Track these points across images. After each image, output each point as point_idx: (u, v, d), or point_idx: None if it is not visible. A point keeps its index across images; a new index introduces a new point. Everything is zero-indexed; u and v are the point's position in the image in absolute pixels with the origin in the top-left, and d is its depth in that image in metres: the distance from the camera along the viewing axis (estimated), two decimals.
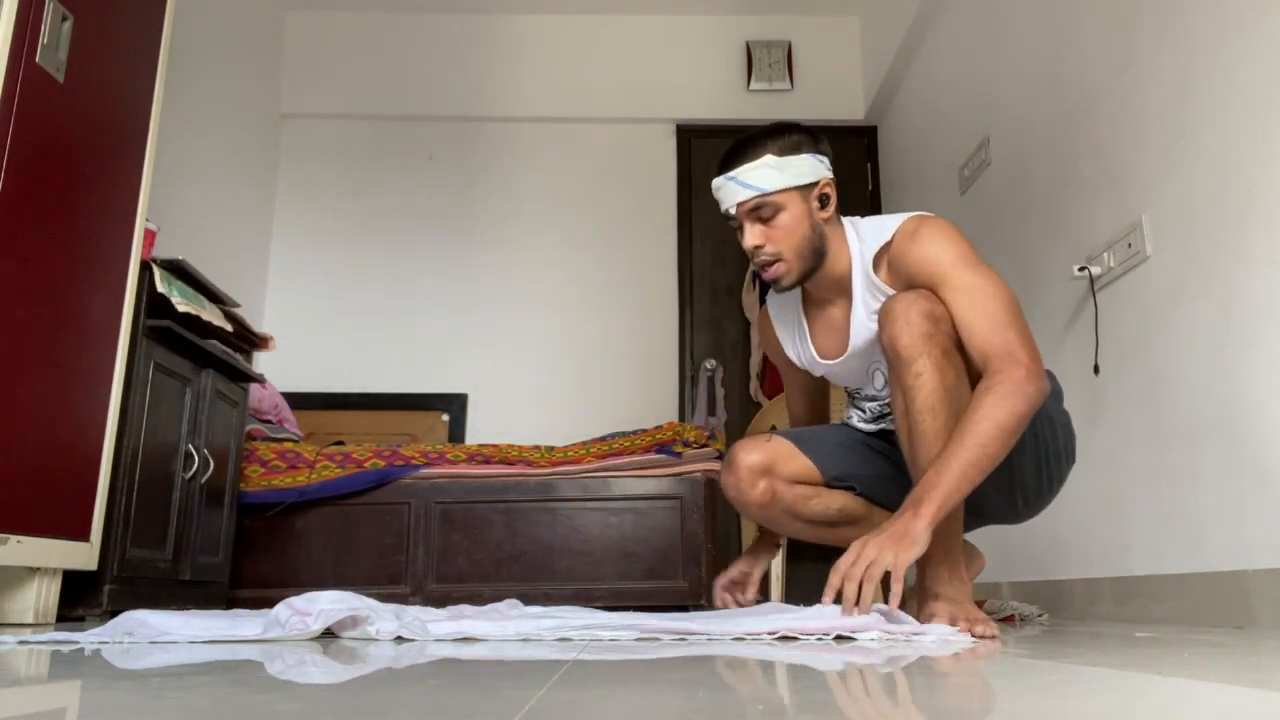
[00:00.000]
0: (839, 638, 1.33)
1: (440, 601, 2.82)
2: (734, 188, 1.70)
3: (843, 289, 1.77)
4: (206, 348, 2.55)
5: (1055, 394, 1.74)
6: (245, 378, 2.88)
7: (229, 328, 2.67)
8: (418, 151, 4.73)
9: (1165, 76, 2.28)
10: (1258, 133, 1.96)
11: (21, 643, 1.27)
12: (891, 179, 4.63)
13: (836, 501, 1.87)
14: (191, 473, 2.52)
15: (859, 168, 4.81)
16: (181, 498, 2.48)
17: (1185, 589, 2.13)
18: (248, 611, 1.68)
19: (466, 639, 1.37)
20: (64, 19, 1.96)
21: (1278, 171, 1.90)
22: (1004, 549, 3.14)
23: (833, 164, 1.76)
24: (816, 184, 1.71)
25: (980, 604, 1.87)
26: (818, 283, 1.79)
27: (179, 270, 2.44)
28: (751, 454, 1.84)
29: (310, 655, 1.14)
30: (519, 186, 4.74)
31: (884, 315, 1.59)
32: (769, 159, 1.68)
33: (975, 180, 3.48)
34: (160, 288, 2.31)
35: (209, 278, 2.59)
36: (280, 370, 4.02)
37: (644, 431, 3.22)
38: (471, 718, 0.64)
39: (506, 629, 1.40)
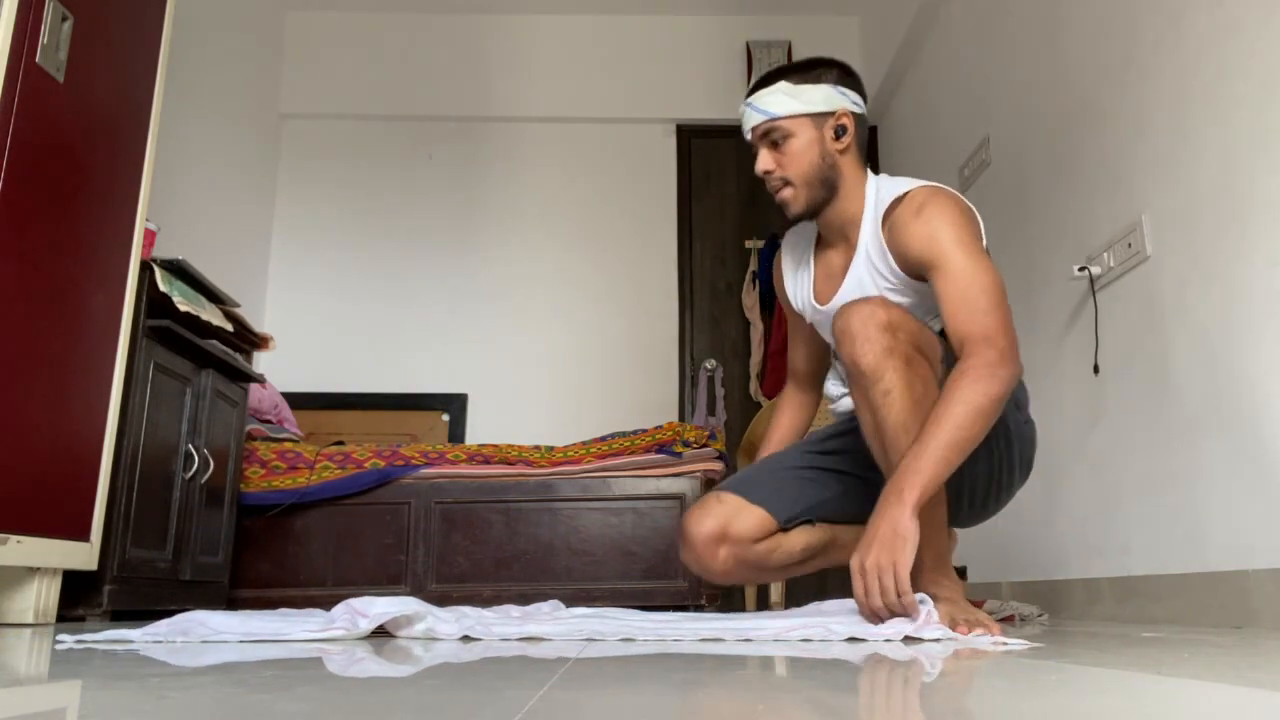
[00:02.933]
0: (908, 639, 1.33)
1: (440, 602, 2.82)
2: (749, 113, 1.73)
3: (850, 235, 1.76)
4: (206, 348, 2.55)
5: (1018, 403, 1.72)
6: (245, 378, 2.88)
7: (229, 328, 2.67)
8: (418, 151, 4.73)
9: (1165, 76, 2.28)
10: (1258, 132, 1.96)
11: (79, 641, 1.29)
12: None
13: (798, 543, 1.85)
14: (191, 473, 2.52)
15: None
16: (181, 498, 2.48)
17: (1185, 589, 2.13)
18: (301, 611, 1.70)
19: (532, 639, 1.38)
20: (64, 19, 1.96)
21: (1278, 171, 1.90)
22: (1004, 549, 3.14)
23: (865, 102, 1.77)
24: (833, 114, 1.71)
25: (980, 604, 1.87)
26: (829, 222, 1.78)
27: (179, 270, 2.44)
28: (703, 524, 1.80)
29: (343, 655, 1.14)
30: (519, 186, 4.74)
31: (841, 333, 1.57)
32: (784, 85, 1.70)
33: (975, 180, 3.48)
34: (162, 287, 2.31)
35: (209, 278, 2.59)
36: (280, 370, 4.02)
37: (644, 431, 3.22)
38: (472, 718, 0.64)
39: (572, 630, 1.42)
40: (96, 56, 2.09)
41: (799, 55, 4.83)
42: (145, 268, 2.28)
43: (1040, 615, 2.47)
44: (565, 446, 3.24)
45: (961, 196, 1.71)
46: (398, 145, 4.72)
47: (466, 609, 1.70)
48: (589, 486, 3.11)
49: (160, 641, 1.31)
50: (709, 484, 3.09)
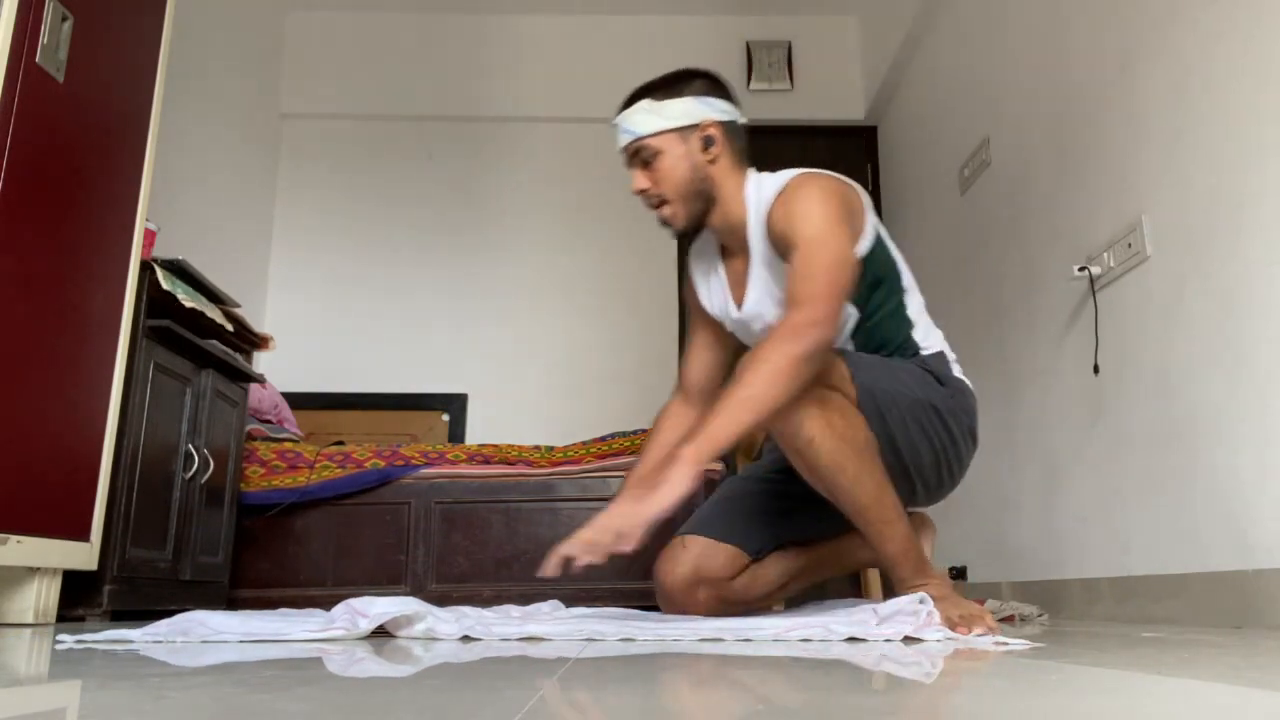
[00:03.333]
0: (908, 639, 1.33)
1: (440, 602, 2.82)
2: (617, 134, 1.74)
3: (742, 239, 1.75)
4: (206, 348, 2.55)
5: (940, 378, 1.71)
6: (245, 378, 2.88)
7: (229, 327, 2.67)
8: (418, 151, 4.73)
9: (1165, 76, 2.28)
10: (1257, 132, 1.96)
11: (79, 641, 1.29)
12: (891, 179, 4.63)
13: (773, 571, 1.85)
14: (191, 473, 2.52)
15: (859, 168, 4.81)
16: (181, 498, 2.48)
17: (1185, 589, 2.13)
18: (301, 611, 1.71)
19: (533, 639, 1.38)
20: (64, 19, 1.96)
21: (1277, 171, 1.90)
22: (1004, 549, 3.14)
23: (736, 107, 1.76)
24: (698, 126, 1.70)
25: (979, 604, 1.87)
26: (718, 230, 1.78)
27: (179, 270, 2.44)
28: (676, 572, 1.80)
29: (343, 655, 1.14)
30: (519, 186, 4.73)
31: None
32: (645, 103, 1.70)
33: (975, 180, 3.48)
34: (165, 285, 2.31)
35: (209, 278, 2.59)
36: (280, 370, 4.02)
37: (644, 431, 3.22)
38: (472, 718, 0.64)
39: (572, 630, 1.42)
40: (96, 56, 2.09)
41: (799, 55, 4.83)
42: (145, 268, 2.28)
43: (1040, 615, 2.47)
44: (565, 446, 3.24)
45: (839, 178, 1.70)
46: (398, 145, 4.72)
47: (466, 609, 1.70)
48: (589, 486, 3.11)
49: (160, 641, 1.31)
50: (709, 484, 3.09)
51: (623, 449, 3.16)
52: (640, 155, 1.72)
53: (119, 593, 2.20)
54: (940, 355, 1.75)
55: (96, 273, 2.11)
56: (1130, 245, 2.39)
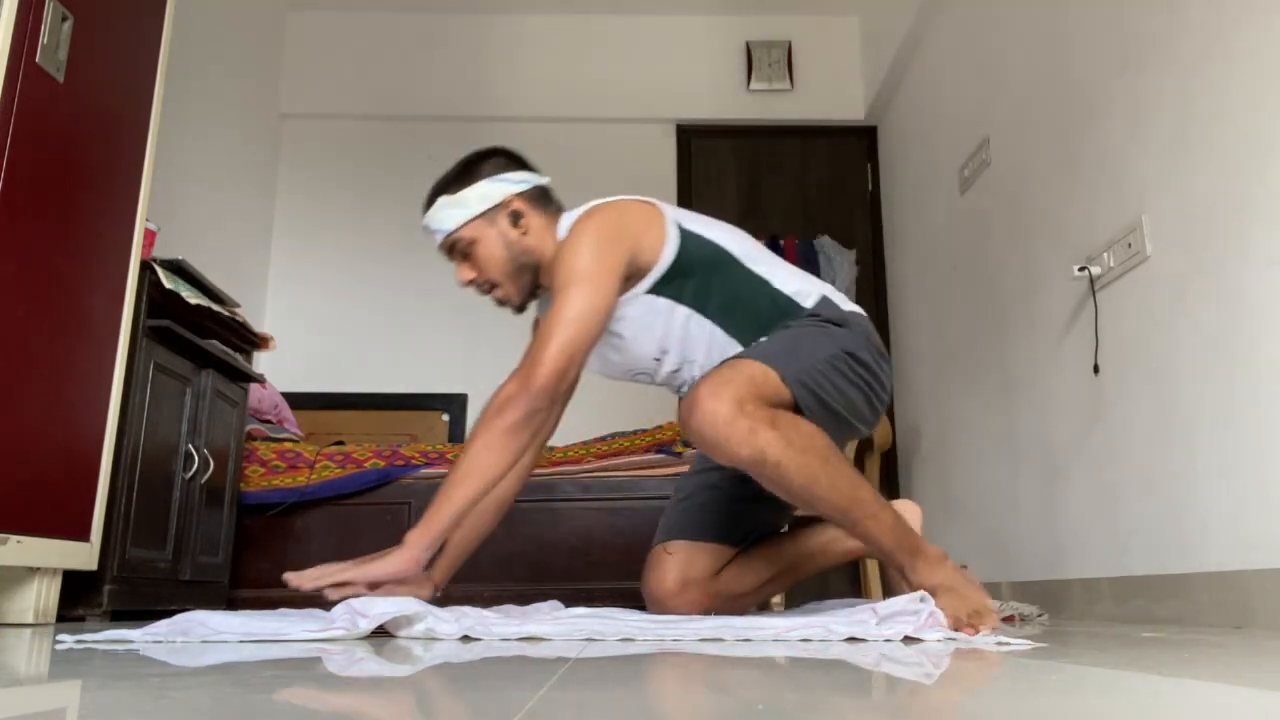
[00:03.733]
0: (908, 639, 1.33)
1: (440, 602, 2.82)
2: (430, 235, 1.78)
3: None
4: (206, 348, 2.55)
5: (837, 320, 1.71)
6: (245, 378, 2.88)
7: (231, 320, 2.67)
8: (418, 151, 4.72)
9: (1165, 76, 2.28)
10: (1258, 132, 1.96)
11: (79, 641, 1.29)
12: (891, 179, 4.63)
13: (760, 561, 1.86)
14: (191, 473, 2.52)
15: (859, 168, 4.81)
16: (181, 498, 2.48)
17: (1185, 589, 2.13)
18: (301, 611, 1.71)
19: (532, 638, 1.38)
20: (64, 19, 1.96)
21: (1277, 171, 1.90)
22: (1004, 549, 3.14)
23: (533, 171, 1.79)
24: (501, 204, 1.73)
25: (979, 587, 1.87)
26: (551, 289, 1.80)
27: (179, 270, 2.44)
28: (664, 581, 1.82)
29: (343, 655, 1.14)
30: None
31: (700, 442, 1.54)
32: (443, 200, 1.75)
33: (975, 180, 3.48)
34: (168, 285, 2.32)
35: (209, 278, 2.59)
36: (280, 370, 4.02)
37: (644, 431, 3.22)
38: (472, 718, 0.64)
39: (571, 630, 1.42)
40: (96, 56, 2.09)
41: (799, 55, 4.83)
42: (145, 268, 2.28)
43: (1040, 615, 2.47)
44: (565, 446, 3.24)
45: (617, 202, 1.72)
46: (398, 145, 4.72)
47: (466, 609, 1.70)
48: (589, 486, 3.11)
49: (160, 641, 1.31)
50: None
51: (622, 449, 3.16)
52: (457, 249, 1.76)
53: (119, 593, 2.20)
54: (825, 300, 1.75)
55: (96, 273, 2.11)
56: (1130, 245, 2.39)
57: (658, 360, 1.79)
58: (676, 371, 1.81)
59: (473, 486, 1.55)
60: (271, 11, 4.60)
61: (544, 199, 1.80)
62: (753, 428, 1.48)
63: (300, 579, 1.55)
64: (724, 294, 1.74)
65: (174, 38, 2.41)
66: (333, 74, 4.74)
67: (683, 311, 1.73)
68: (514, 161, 1.80)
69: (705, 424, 1.50)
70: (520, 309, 1.82)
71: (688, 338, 1.75)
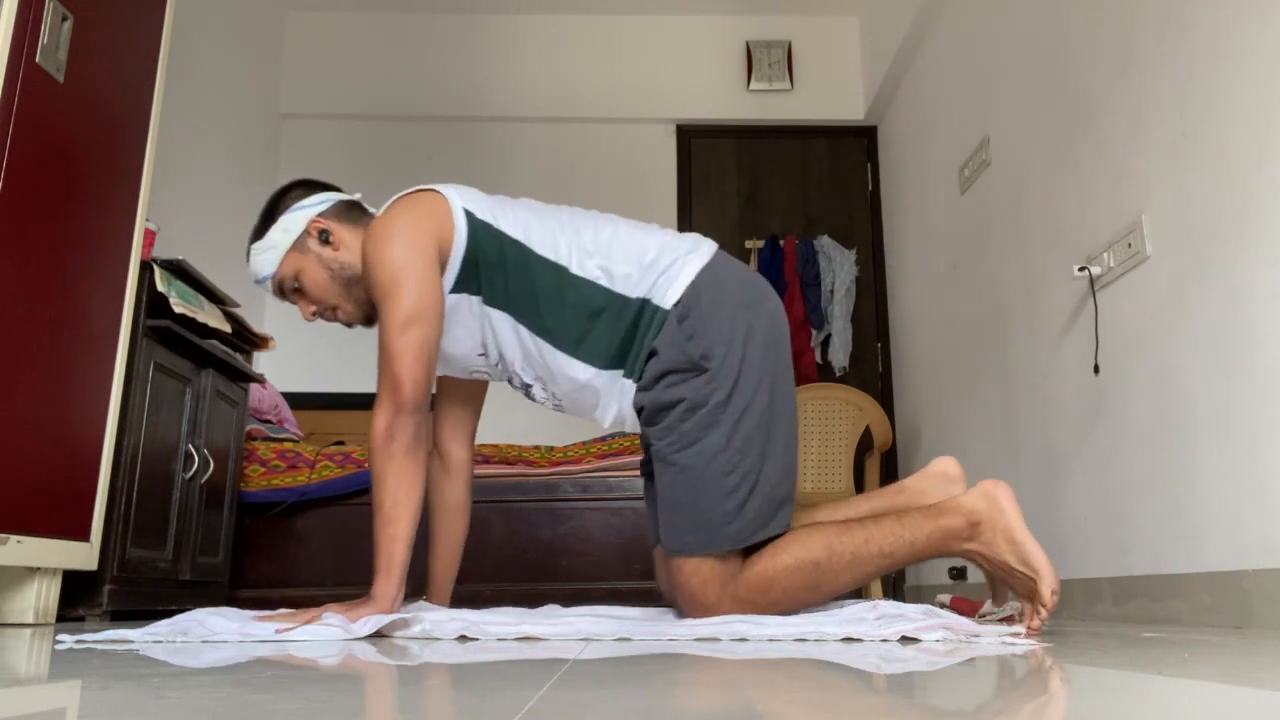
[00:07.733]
0: (905, 639, 1.33)
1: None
2: (260, 283, 1.76)
3: None
4: (206, 348, 2.55)
5: (692, 334, 1.63)
6: (245, 378, 2.88)
7: (228, 328, 2.67)
8: (418, 151, 4.73)
9: (1165, 76, 2.28)
10: (1258, 132, 1.96)
11: (79, 641, 1.29)
12: (891, 179, 4.63)
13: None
14: (191, 473, 2.52)
15: (859, 168, 4.81)
16: (181, 498, 2.48)
17: (1185, 589, 2.13)
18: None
19: (530, 638, 1.38)
20: (64, 19, 1.96)
21: (1277, 171, 1.90)
22: None
23: (328, 189, 1.77)
24: (306, 230, 1.71)
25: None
26: None
27: (179, 270, 2.44)
28: (662, 583, 1.79)
29: (344, 655, 1.14)
30: (519, 186, 4.70)
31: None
32: (254, 248, 1.73)
33: (975, 180, 3.48)
34: (160, 287, 2.31)
35: (209, 278, 2.59)
36: (280, 370, 4.02)
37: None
38: (472, 718, 0.64)
39: (567, 630, 1.42)
40: (96, 56, 2.09)
41: (799, 55, 4.83)
42: (145, 268, 2.28)
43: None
44: (565, 446, 3.24)
45: (404, 198, 1.67)
46: (398, 145, 4.72)
47: (466, 610, 1.70)
48: (589, 486, 3.11)
49: (160, 641, 1.31)
50: None
51: (623, 449, 3.16)
52: (286, 289, 1.75)
53: (119, 593, 2.20)
54: (657, 286, 1.67)
55: (96, 273, 2.11)
56: (1130, 245, 2.39)
57: (483, 356, 1.74)
58: (503, 370, 1.76)
59: (406, 520, 1.55)
60: (271, 11, 4.60)
61: (350, 211, 1.75)
62: (743, 610, 1.53)
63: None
64: (519, 289, 1.64)
65: (173, 38, 2.41)
66: (332, 74, 4.74)
67: (481, 309, 1.66)
68: (312, 187, 1.76)
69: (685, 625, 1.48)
70: (369, 323, 1.78)
71: (498, 336, 1.68)
